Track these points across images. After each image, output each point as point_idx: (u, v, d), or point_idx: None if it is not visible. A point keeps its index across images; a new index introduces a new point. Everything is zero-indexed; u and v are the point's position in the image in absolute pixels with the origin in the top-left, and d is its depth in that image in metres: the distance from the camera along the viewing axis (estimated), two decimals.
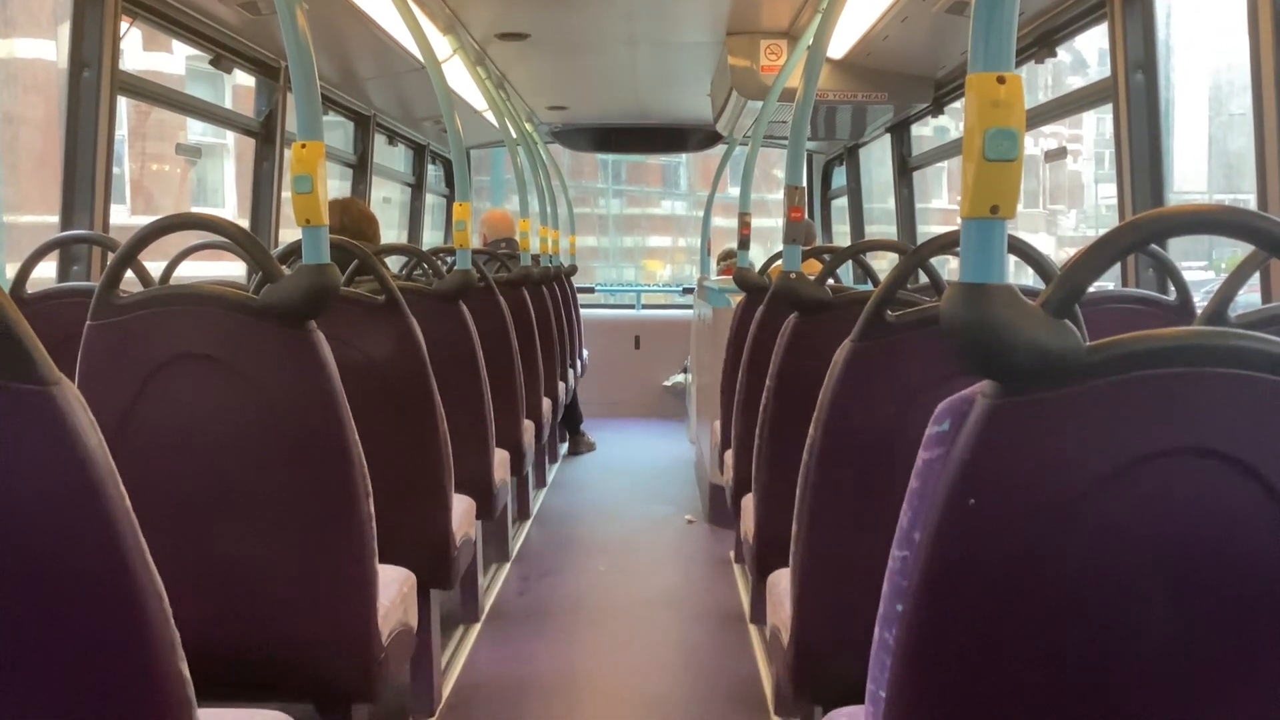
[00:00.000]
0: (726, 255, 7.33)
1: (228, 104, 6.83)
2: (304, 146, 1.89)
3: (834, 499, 1.94)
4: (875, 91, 5.03)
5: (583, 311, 7.73)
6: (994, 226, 1.00)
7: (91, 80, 3.29)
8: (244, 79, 4.79)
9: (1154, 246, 2.92)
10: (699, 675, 3.19)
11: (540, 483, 5.73)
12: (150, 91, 3.84)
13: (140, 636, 1.15)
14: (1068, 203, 23.66)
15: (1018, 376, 0.98)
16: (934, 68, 4.94)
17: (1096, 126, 20.78)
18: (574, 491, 5.76)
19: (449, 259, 4.33)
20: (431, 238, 7.97)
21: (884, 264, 5.89)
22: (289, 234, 4.72)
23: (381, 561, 2.09)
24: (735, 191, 4.69)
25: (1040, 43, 3.80)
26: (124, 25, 3.38)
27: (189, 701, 1.22)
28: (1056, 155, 4.92)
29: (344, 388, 1.94)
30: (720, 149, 7.91)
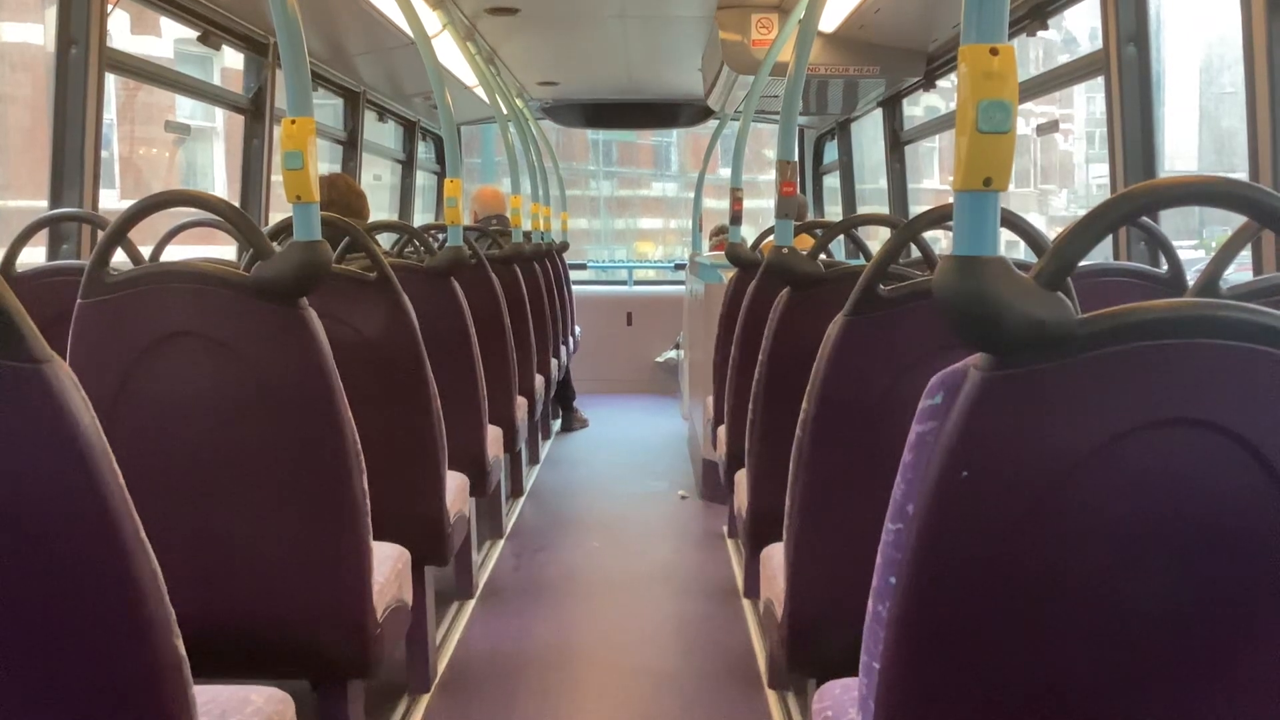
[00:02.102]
0: (718, 231, 7.32)
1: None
2: (294, 122, 1.88)
3: (827, 473, 1.94)
4: (867, 65, 5.01)
5: (575, 288, 7.72)
6: (987, 199, 1.00)
7: (79, 57, 3.26)
8: (232, 63, 4.75)
9: (1146, 220, 2.92)
10: (693, 649, 3.20)
11: (533, 459, 5.74)
12: (138, 68, 3.81)
13: (135, 614, 1.15)
14: (1059, 182, 23.63)
15: (1010, 349, 0.98)
16: (926, 41, 4.93)
17: (1087, 106, 20.73)
18: (567, 468, 5.77)
19: (440, 236, 4.32)
20: (422, 219, 7.95)
21: (875, 243, 5.89)
22: (279, 217, 4.70)
23: (376, 538, 2.09)
24: (726, 173, 4.67)
25: (1032, 15, 3.79)
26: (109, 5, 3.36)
27: (185, 678, 1.23)
28: (1048, 129, 4.90)
29: (336, 365, 1.94)
30: (711, 125, 7.89)
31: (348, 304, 2.57)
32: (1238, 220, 2.02)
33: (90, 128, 3.29)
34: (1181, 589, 1.03)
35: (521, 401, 4.41)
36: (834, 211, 7.60)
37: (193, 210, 2.32)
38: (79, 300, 1.90)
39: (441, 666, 3.01)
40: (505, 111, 5.57)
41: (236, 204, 3.84)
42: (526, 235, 5.65)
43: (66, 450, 1.07)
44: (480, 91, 6.08)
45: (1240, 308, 0.98)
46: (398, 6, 3.57)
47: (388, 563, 2.25)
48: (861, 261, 2.98)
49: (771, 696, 2.84)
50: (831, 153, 7.34)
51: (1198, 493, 1.00)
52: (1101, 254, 3.34)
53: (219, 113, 7.81)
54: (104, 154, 3.47)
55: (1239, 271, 2.23)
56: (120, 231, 1.98)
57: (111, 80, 3.51)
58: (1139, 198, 1.03)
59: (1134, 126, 3.20)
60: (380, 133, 6.90)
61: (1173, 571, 1.03)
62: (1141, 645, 1.05)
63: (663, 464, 5.76)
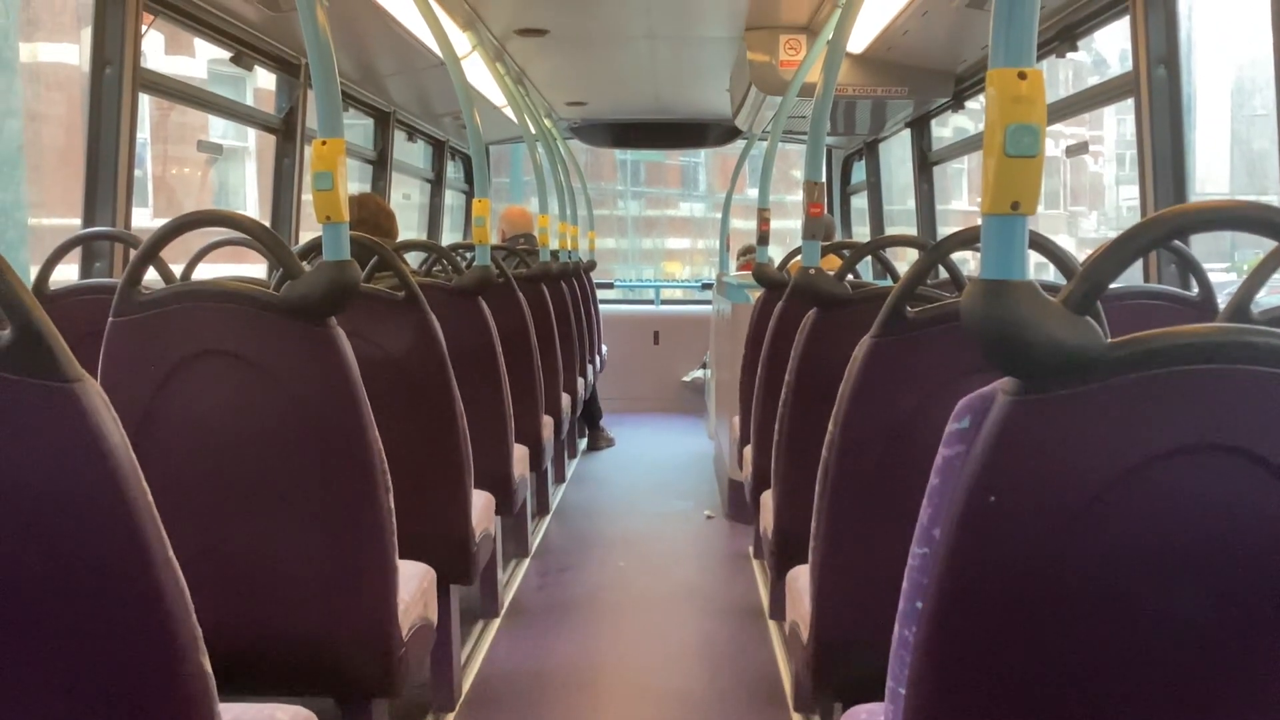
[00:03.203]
0: (746, 251, 7.34)
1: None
2: (324, 143, 1.90)
3: (853, 495, 1.93)
4: (895, 86, 5.01)
5: (602, 307, 7.73)
6: (1015, 222, 1.00)
7: (113, 78, 3.30)
8: (264, 83, 4.80)
9: (1176, 243, 2.91)
10: (718, 670, 3.19)
11: (559, 478, 5.74)
12: (172, 89, 3.86)
13: (162, 631, 1.16)
14: (1088, 204, 23.54)
15: (1039, 373, 0.98)
16: (954, 62, 4.92)
17: (1118, 128, 20.67)
18: (593, 487, 5.77)
19: (468, 255, 4.34)
20: (451, 239, 7.99)
21: (903, 265, 5.87)
22: (309, 236, 4.73)
23: (401, 557, 2.09)
24: (754, 193, 4.68)
25: (1061, 37, 3.78)
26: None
27: (210, 696, 1.23)
28: (1078, 150, 4.89)
29: (364, 383, 1.95)
30: (739, 145, 7.90)
31: (376, 323, 2.59)
32: (1270, 243, 2.01)
33: (124, 147, 3.33)
34: (1212, 615, 1.02)
35: (548, 420, 4.42)
36: (862, 232, 7.59)
37: (224, 230, 2.34)
38: (110, 319, 1.92)
39: (466, 686, 3.01)
40: (534, 131, 5.59)
41: (267, 223, 3.88)
42: (554, 254, 5.67)
43: (96, 468, 1.08)
44: (509, 111, 6.12)
45: (1272, 333, 0.97)
46: (428, 28, 3.60)
47: (413, 581, 2.26)
48: (889, 283, 2.97)
49: None
50: (859, 173, 7.34)
51: (1228, 519, 0.99)
52: (1132, 276, 3.32)
53: (251, 133, 7.89)
54: (137, 173, 3.51)
55: (1270, 295, 2.21)
56: (152, 251, 2.00)
57: (145, 100, 3.55)
58: (1169, 222, 1.03)
59: (1164, 149, 3.18)
60: (409, 152, 6.94)
61: (1203, 597, 1.01)
62: (1171, 671, 1.04)
63: (689, 483, 5.75)
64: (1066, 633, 1.03)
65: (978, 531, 1.02)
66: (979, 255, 1.03)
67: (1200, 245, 3.05)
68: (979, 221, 1.04)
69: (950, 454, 1.06)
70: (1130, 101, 3.31)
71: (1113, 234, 1.03)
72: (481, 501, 2.98)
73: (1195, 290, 2.91)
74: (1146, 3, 3.16)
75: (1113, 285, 1.04)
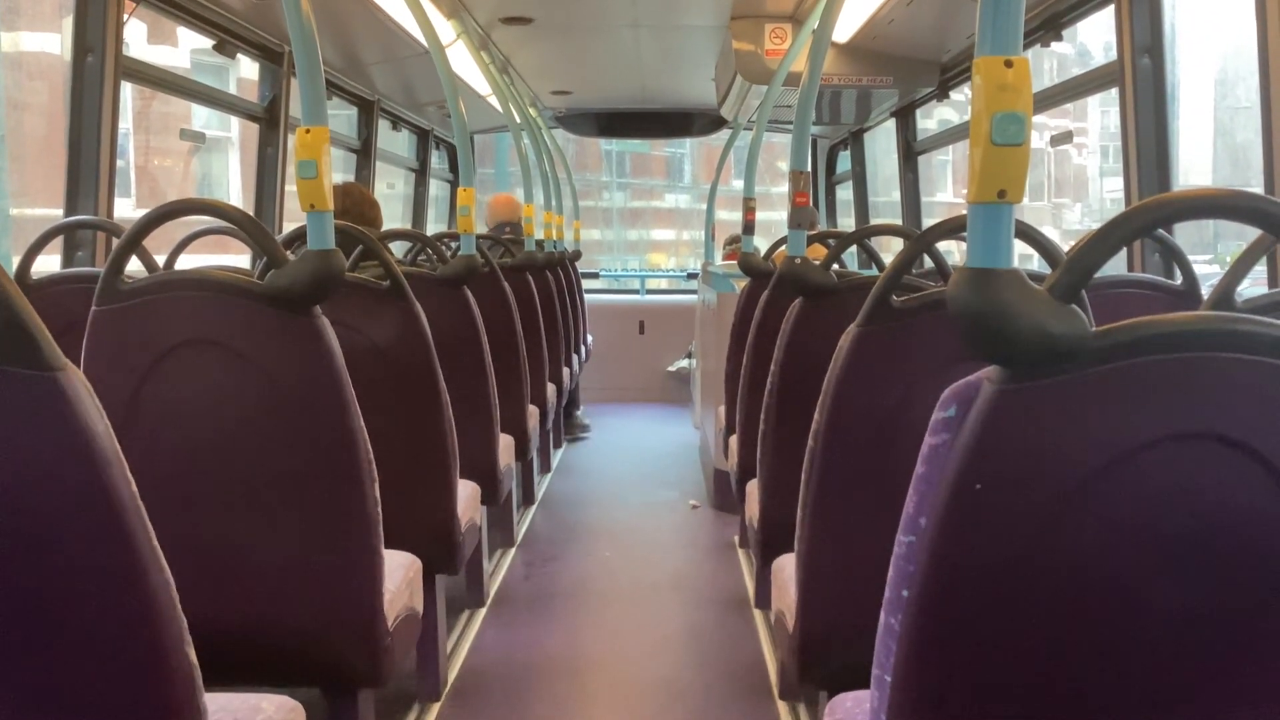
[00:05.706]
0: (731, 241, 7.34)
1: None
2: (308, 132, 1.89)
3: (839, 484, 1.94)
4: (880, 76, 5.01)
5: (587, 297, 7.72)
6: (1001, 211, 1.00)
7: (95, 66, 3.28)
8: (248, 74, 4.77)
9: (1160, 232, 2.92)
10: (704, 660, 3.20)
11: (545, 468, 5.73)
12: (154, 77, 3.83)
13: (147, 621, 1.15)
14: (1073, 196, 23.59)
15: (1024, 361, 0.98)
16: (939, 51, 4.93)
17: (1101, 119, 20.71)
18: (578, 477, 5.77)
19: (453, 244, 4.33)
20: (435, 229, 7.97)
21: (887, 257, 5.88)
22: (293, 226, 4.71)
23: (387, 547, 2.09)
24: (739, 183, 4.68)
25: (1047, 26, 3.78)
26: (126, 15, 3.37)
27: (196, 686, 1.23)
28: (1062, 140, 4.94)
29: (349, 373, 1.94)
30: (724, 135, 7.89)
31: (361, 312, 2.58)
32: (1253, 235, 2.02)
33: (106, 136, 3.31)
34: (1196, 602, 1.02)
35: (533, 410, 4.41)
36: (847, 224, 7.59)
37: (207, 218, 2.33)
38: (93, 307, 1.91)
39: (452, 675, 3.00)
40: (518, 120, 5.58)
41: (251, 213, 3.86)
42: (539, 244, 5.65)
43: (80, 458, 1.08)
44: (494, 100, 6.10)
45: (1257, 321, 0.97)
46: (412, 16, 3.58)
47: (399, 571, 2.25)
48: (875, 272, 2.98)
49: (782, 708, 2.84)
50: (845, 163, 7.34)
51: (1212, 507, 1.00)
52: (1116, 266, 3.34)
53: (234, 122, 7.85)
54: (120, 163, 3.49)
55: (1254, 286, 2.22)
56: (135, 239, 1.99)
57: (128, 89, 3.53)
58: (1154, 210, 1.03)
59: (1149, 138, 3.19)
60: (394, 141, 6.92)
61: (1187, 584, 1.02)
62: (1157, 658, 1.05)
63: (674, 473, 5.75)
64: (1051, 620, 1.04)
65: (963, 519, 1.02)
66: (964, 245, 1.03)
67: (1183, 238, 3.06)
68: (963, 214, 1.04)
69: (936, 442, 1.06)
70: (1114, 93, 3.32)
71: (1097, 225, 1.03)
72: (467, 491, 2.98)
73: (1179, 279, 2.92)
74: None
75: (1098, 274, 1.04)
